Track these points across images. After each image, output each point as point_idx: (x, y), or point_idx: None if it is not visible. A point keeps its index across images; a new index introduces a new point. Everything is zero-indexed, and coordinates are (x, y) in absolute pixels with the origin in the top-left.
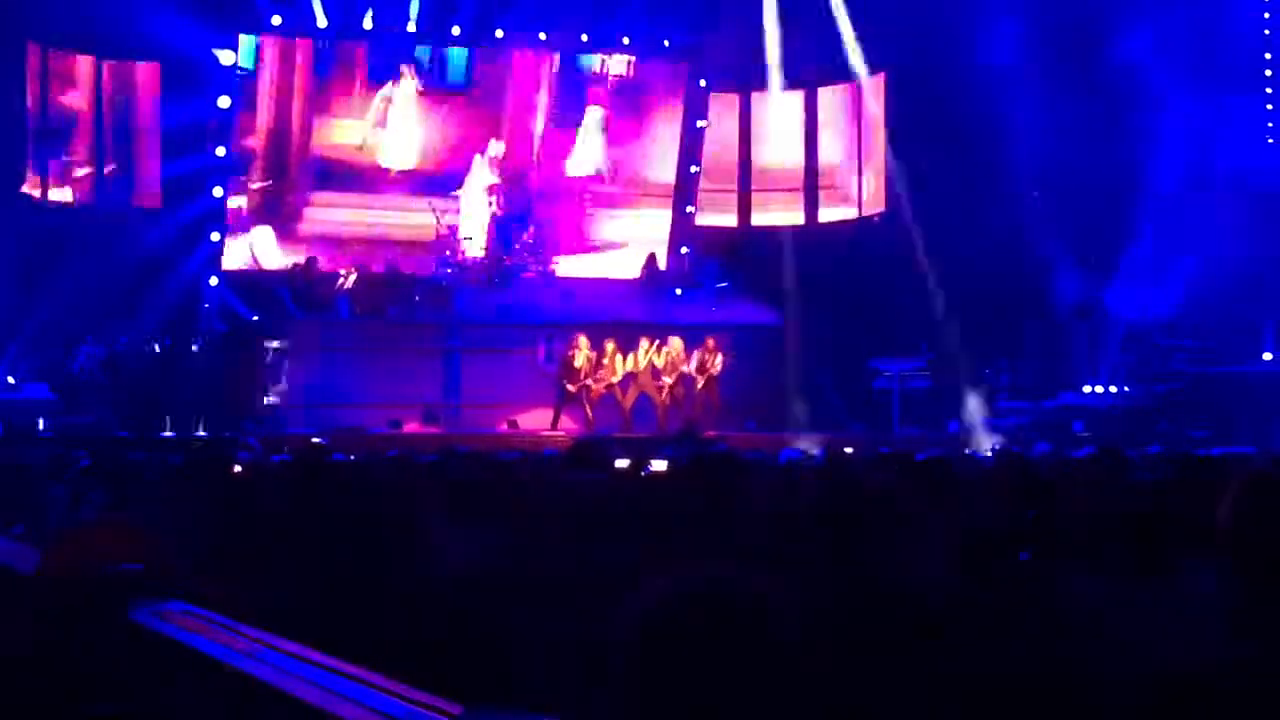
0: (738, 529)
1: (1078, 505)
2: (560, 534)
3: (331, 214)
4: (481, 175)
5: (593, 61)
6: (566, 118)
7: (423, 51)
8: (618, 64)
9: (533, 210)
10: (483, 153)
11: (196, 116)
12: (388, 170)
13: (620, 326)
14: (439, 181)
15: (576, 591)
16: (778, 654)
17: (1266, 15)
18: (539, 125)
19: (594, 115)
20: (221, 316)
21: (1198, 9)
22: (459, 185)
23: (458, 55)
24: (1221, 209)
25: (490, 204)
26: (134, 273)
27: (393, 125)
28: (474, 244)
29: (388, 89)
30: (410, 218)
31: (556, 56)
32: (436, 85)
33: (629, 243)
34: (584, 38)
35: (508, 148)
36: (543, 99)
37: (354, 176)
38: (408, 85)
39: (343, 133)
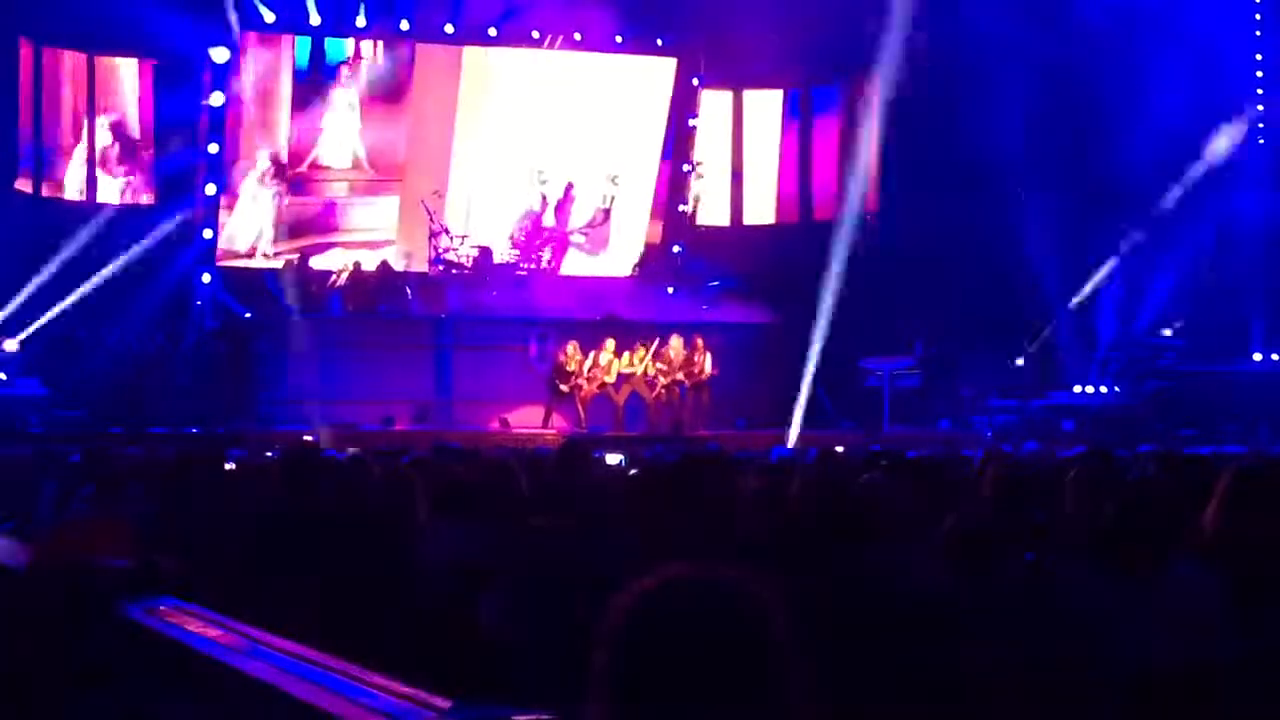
0: (727, 528)
1: (1068, 504)
2: (550, 531)
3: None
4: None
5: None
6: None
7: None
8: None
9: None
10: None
11: (189, 113)
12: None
13: (612, 325)
14: None
15: (565, 588)
16: (767, 652)
17: (1258, 12)
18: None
19: (343, 99)
20: (214, 313)
21: (1188, 8)
22: None
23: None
24: (1211, 207)
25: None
26: (126, 269)
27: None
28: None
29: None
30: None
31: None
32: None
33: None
34: (577, 36)
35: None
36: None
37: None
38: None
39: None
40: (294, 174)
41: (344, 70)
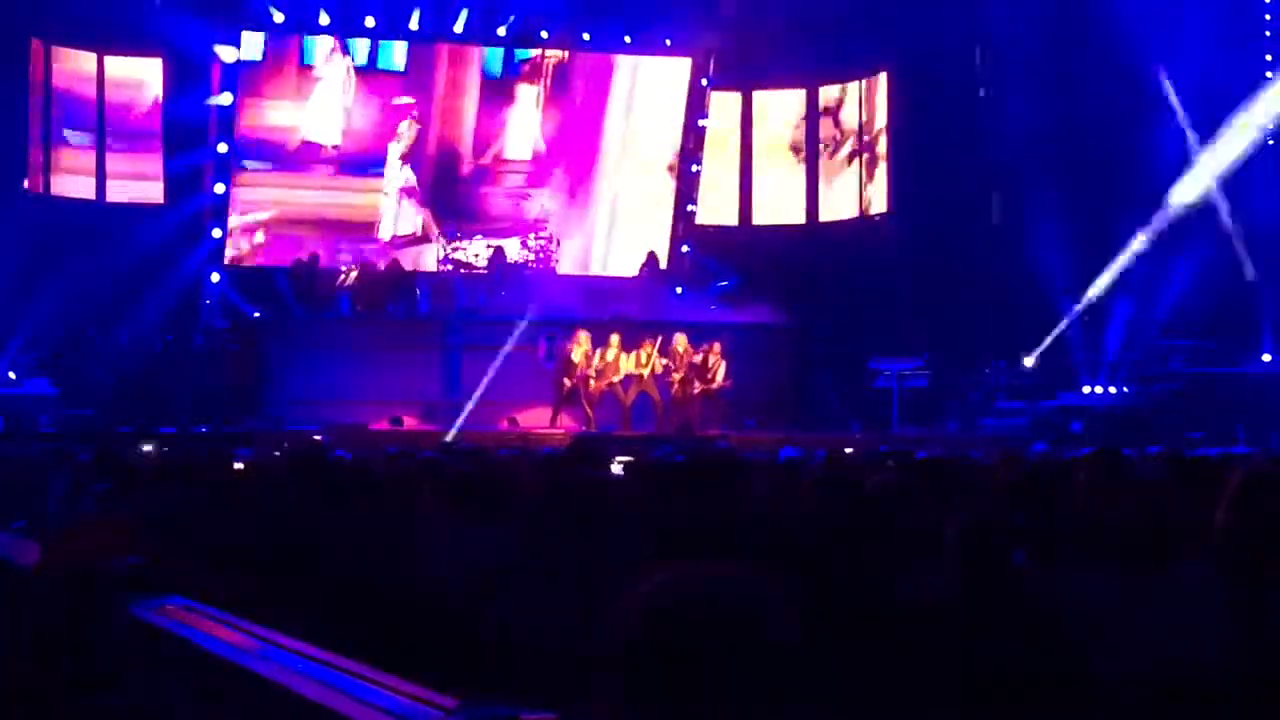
0: (736, 527)
1: (1076, 505)
2: (559, 531)
3: (260, 193)
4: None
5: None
6: (496, 100)
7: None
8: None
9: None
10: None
11: (199, 112)
12: (319, 147)
13: (621, 325)
14: (362, 162)
15: (573, 587)
16: (774, 651)
17: (1267, 17)
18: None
19: (528, 94)
20: (223, 312)
21: (1205, 11)
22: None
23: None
24: (1222, 208)
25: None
26: (136, 268)
27: (318, 101)
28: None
29: (319, 67)
30: (343, 198)
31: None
32: (370, 67)
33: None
34: (585, 36)
35: (426, 132)
36: (473, 80)
37: (283, 154)
38: (339, 63)
39: (275, 114)
40: (477, 165)
41: (526, 68)
